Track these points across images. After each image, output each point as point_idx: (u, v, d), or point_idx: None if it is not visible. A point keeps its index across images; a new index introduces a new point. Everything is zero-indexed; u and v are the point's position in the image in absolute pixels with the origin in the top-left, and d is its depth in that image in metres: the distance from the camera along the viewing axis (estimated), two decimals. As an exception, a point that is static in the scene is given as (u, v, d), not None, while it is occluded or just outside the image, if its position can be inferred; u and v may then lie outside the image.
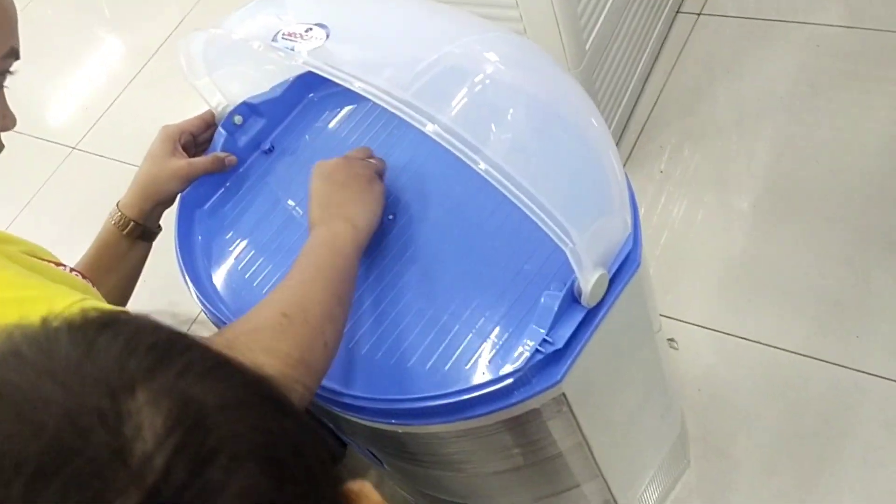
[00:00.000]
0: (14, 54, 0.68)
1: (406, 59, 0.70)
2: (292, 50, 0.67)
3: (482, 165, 0.62)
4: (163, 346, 0.29)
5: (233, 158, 0.92)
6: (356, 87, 0.64)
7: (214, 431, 0.27)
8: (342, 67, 0.67)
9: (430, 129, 0.62)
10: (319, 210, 0.77)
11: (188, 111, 0.97)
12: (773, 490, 1.16)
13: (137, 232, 0.87)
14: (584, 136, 0.73)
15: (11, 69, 0.69)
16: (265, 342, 0.61)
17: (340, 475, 0.33)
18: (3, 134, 0.72)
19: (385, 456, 0.92)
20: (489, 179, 0.62)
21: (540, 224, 0.62)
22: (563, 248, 0.63)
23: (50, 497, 0.24)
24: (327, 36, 0.68)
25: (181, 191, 0.90)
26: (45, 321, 0.29)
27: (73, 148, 2.13)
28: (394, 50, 0.73)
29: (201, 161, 0.89)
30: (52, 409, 0.26)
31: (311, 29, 0.68)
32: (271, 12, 0.74)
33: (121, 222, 0.87)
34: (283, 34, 0.69)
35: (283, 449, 0.28)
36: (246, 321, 0.65)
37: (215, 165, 0.90)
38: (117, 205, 0.88)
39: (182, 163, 0.88)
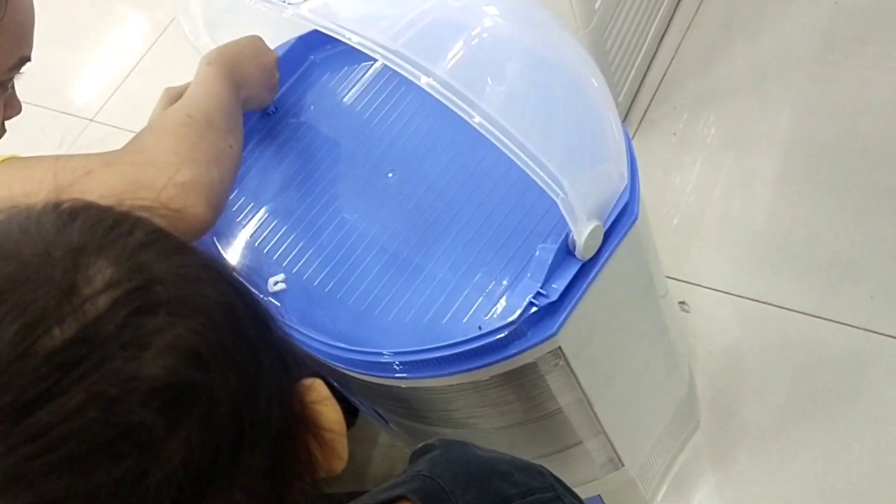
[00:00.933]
0: (25, 61, 0.71)
1: (401, 10, 0.69)
2: (284, 3, 0.67)
3: (477, 119, 0.61)
4: (128, 223, 0.32)
5: None
6: (348, 39, 0.64)
7: (159, 293, 0.29)
8: (335, 20, 0.66)
9: (424, 82, 0.62)
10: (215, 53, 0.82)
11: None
12: (783, 452, 1.15)
13: None
14: (579, 89, 0.72)
15: (22, 69, 0.71)
16: (172, 139, 0.66)
17: (294, 371, 0.34)
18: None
19: (390, 414, 0.93)
20: (482, 132, 0.62)
21: (531, 174, 0.62)
22: (555, 198, 0.63)
23: None
24: (319, -12, 0.67)
25: None
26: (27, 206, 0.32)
27: (91, 120, 2.15)
28: (389, 2, 0.73)
29: None
30: (23, 250, 0.29)
31: (303, -18, 0.68)
32: (266, -33, 0.74)
33: None
34: (276, -12, 0.68)
35: (223, 325, 0.30)
36: (156, 121, 0.71)
37: None
38: None
39: None
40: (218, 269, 0.33)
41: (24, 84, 0.75)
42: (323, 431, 0.35)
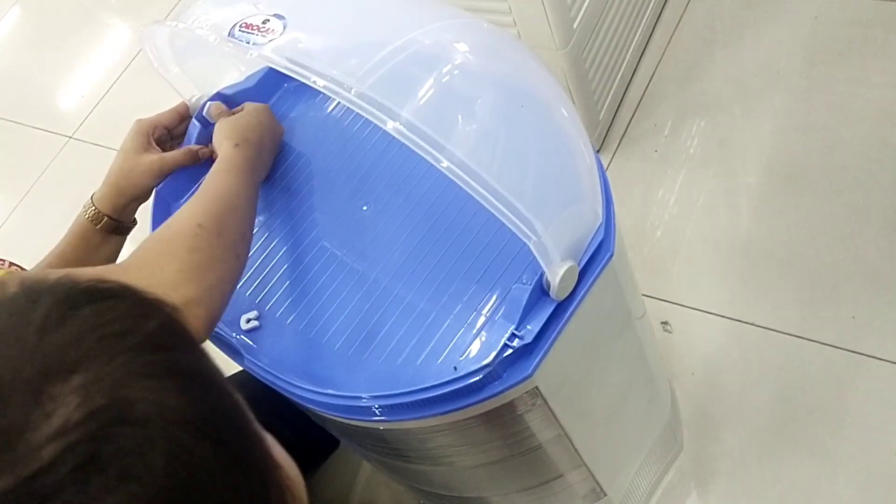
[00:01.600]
0: None
1: (370, 47, 0.68)
2: (248, 43, 0.66)
3: (444, 164, 0.60)
4: (121, 331, 0.29)
5: (206, 150, 0.90)
6: (313, 82, 0.62)
7: (120, 439, 0.26)
8: (301, 59, 0.65)
9: (390, 126, 0.61)
10: (221, 137, 0.83)
11: (184, 97, 0.96)
12: (767, 473, 1.15)
13: (111, 227, 0.86)
14: (552, 125, 0.71)
15: None
16: (180, 253, 0.65)
17: (269, 464, 0.32)
18: None
19: (369, 452, 0.91)
20: (449, 175, 0.60)
21: (502, 219, 0.61)
22: (527, 241, 0.62)
23: None
24: (284, 28, 0.66)
25: (155, 185, 0.89)
26: (25, 285, 0.29)
27: (70, 137, 2.13)
28: (359, 38, 0.71)
29: (174, 155, 0.88)
30: None
31: (268, 20, 0.67)
32: (231, 1, 0.72)
33: (94, 216, 0.86)
34: (241, 26, 0.67)
35: (183, 487, 0.27)
36: (165, 229, 0.69)
37: (188, 159, 0.89)
38: (91, 198, 0.87)
39: (154, 157, 0.87)
40: (206, 409, 0.29)
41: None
42: (296, 501, 0.33)
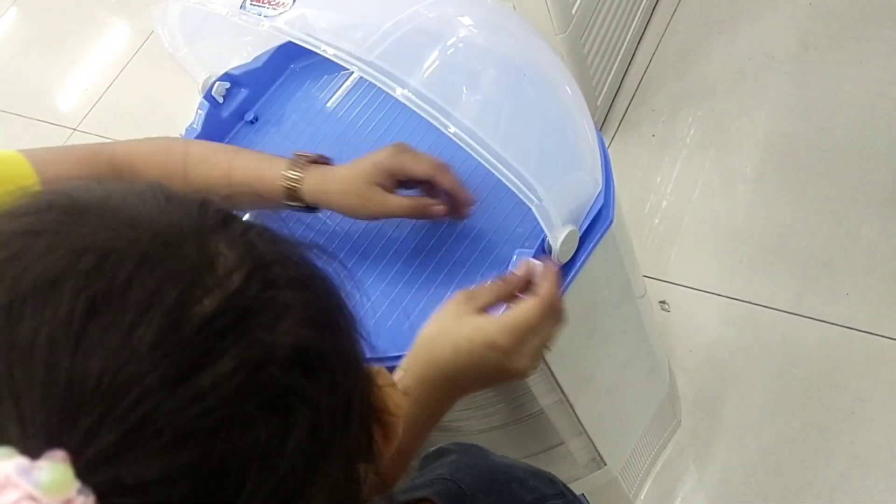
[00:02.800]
0: None
1: (376, 21, 0.70)
2: (260, 16, 0.68)
3: (452, 129, 0.63)
4: (224, 212, 0.33)
5: (441, 209, 0.74)
6: (323, 51, 0.65)
7: (275, 272, 0.31)
8: (310, 32, 0.67)
9: (399, 93, 0.63)
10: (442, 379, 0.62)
11: (187, 89, 0.97)
12: (763, 447, 1.17)
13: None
14: (553, 96, 0.73)
15: None
16: None
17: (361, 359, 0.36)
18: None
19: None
20: (458, 142, 0.63)
21: (506, 182, 0.63)
22: (530, 205, 0.64)
23: (149, 284, 0.27)
24: (293, 2, 0.68)
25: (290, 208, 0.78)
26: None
27: (75, 129, 2.15)
28: (364, 12, 0.74)
29: (401, 203, 0.74)
30: (157, 221, 0.30)
31: (279, -6, 0.69)
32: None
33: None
34: (252, 0, 0.69)
35: (328, 299, 0.33)
36: None
37: (414, 212, 0.75)
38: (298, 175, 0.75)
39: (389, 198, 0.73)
40: (304, 252, 0.34)
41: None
42: (386, 416, 0.36)
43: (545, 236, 0.69)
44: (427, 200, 0.74)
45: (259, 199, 0.77)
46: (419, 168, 0.72)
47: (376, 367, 0.36)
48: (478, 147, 0.62)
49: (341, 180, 0.74)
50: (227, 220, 0.32)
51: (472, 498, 0.44)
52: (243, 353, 0.27)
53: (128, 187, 0.32)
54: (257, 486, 0.27)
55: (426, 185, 0.74)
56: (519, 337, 0.60)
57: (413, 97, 0.62)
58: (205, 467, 0.26)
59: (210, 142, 0.86)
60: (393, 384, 0.36)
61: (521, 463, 0.51)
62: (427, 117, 0.62)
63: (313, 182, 0.75)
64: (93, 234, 0.28)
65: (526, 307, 0.61)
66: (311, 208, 0.77)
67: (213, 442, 0.26)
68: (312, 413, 0.29)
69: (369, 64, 0.63)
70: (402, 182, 0.74)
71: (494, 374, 0.62)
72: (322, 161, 0.78)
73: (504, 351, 0.60)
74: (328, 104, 0.97)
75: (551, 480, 0.50)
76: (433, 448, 0.52)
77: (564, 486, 0.51)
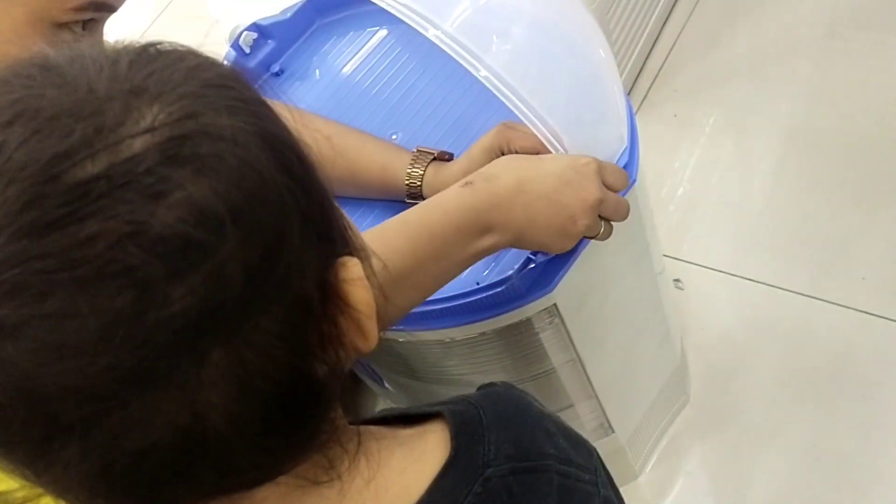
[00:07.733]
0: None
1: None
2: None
3: (482, 72, 0.63)
4: (207, 67, 0.33)
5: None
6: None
7: (196, 147, 0.29)
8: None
9: (432, 34, 0.63)
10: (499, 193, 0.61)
11: (213, 43, 0.98)
12: (772, 426, 1.17)
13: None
14: (583, 53, 0.73)
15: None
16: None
17: (338, 247, 0.35)
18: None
19: (385, 371, 0.94)
20: (487, 85, 0.63)
21: (533, 129, 0.64)
22: (555, 153, 0.64)
23: (32, 144, 0.28)
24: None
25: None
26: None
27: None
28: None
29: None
30: (86, 82, 0.30)
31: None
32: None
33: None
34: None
35: (251, 193, 0.30)
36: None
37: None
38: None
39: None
40: (271, 139, 0.32)
41: None
42: (350, 310, 0.35)
43: (568, 189, 0.69)
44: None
45: (383, 190, 0.79)
46: (528, 142, 0.70)
47: (346, 259, 0.35)
48: (506, 92, 0.62)
49: (459, 175, 0.69)
50: (194, 76, 0.32)
51: (485, 427, 0.42)
52: (105, 222, 0.27)
53: (111, 45, 0.32)
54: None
55: None
56: (597, 177, 0.63)
57: (446, 39, 0.62)
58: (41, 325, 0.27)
59: (338, 122, 0.87)
60: (360, 279, 0.35)
61: (563, 423, 0.47)
62: (458, 59, 0.62)
63: (432, 181, 0.77)
64: (28, 90, 0.29)
65: (613, 166, 0.67)
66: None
67: (48, 299, 0.27)
68: (182, 298, 0.28)
69: (404, 5, 0.63)
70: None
71: (557, 200, 0.61)
72: (444, 157, 0.79)
73: (583, 173, 0.62)
74: (353, 60, 0.97)
75: (589, 453, 0.46)
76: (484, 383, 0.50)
77: (602, 464, 0.47)
